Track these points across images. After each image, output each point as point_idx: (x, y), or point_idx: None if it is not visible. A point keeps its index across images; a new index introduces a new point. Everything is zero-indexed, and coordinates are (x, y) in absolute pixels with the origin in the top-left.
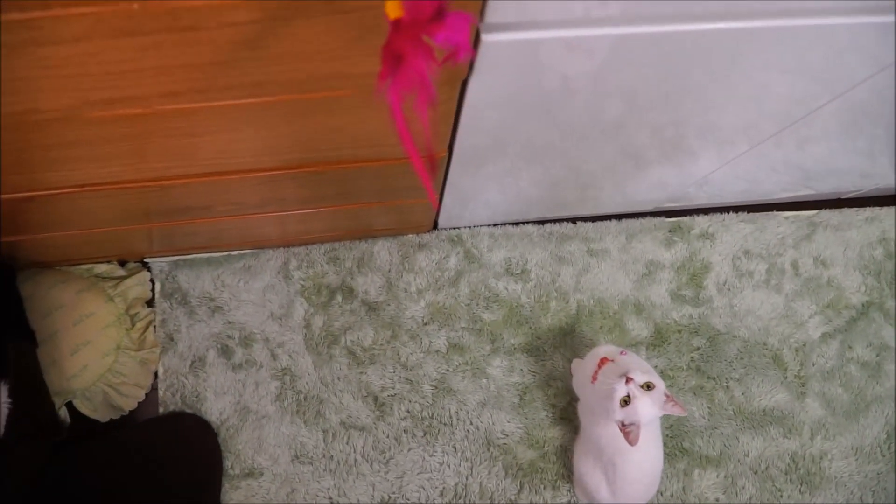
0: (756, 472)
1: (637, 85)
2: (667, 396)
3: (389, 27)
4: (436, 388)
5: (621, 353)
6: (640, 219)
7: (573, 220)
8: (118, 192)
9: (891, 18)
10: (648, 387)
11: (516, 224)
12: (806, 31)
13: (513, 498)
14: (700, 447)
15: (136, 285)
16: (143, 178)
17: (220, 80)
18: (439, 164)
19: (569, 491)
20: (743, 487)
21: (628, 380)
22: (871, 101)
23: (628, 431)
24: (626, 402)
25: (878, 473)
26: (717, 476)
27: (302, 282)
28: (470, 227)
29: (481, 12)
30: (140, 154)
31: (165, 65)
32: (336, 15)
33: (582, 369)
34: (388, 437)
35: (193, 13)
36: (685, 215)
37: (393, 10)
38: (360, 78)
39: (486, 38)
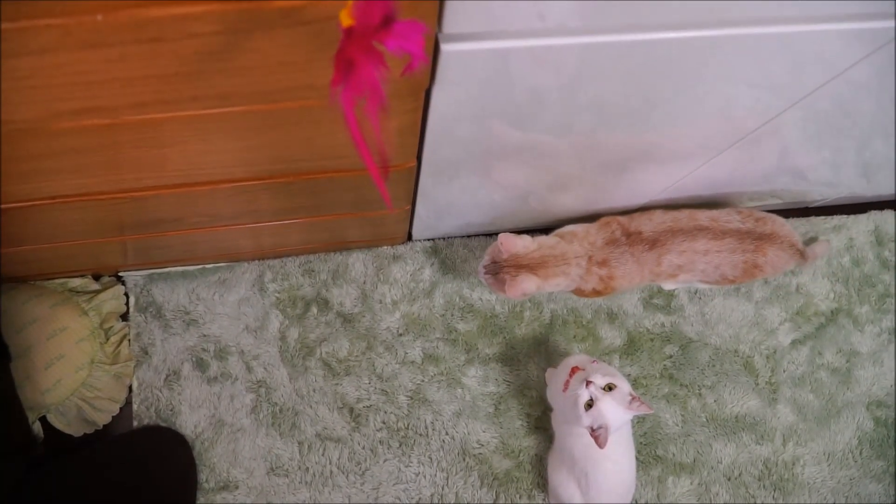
0: (729, 479)
1: (605, 97)
2: (632, 397)
3: (342, 35)
4: (411, 398)
5: (592, 362)
6: None
7: (546, 230)
8: (90, 204)
9: (848, 26)
10: (610, 388)
11: (490, 235)
12: (767, 40)
13: None
14: (674, 454)
15: (111, 299)
16: (113, 189)
17: (186, 90)
18: (407, 175)
19: (544, 500)
20: (717, 494)
21: (588, 383)
22: (834, 112)
23: (597, 435)
24: (590, 405)
25: (851, 479)
26: (691, 483)
27: (277, 294)
28: (444, 239)
29: (439, 23)
30: (110, 165)
31: (131, 76)
32: (296, 27)
33: (555, 379)
34: (363, 448)
35: (157, 24)
36: None
37: (346, 19)
38: (324, 89)
39: (445, 48)
